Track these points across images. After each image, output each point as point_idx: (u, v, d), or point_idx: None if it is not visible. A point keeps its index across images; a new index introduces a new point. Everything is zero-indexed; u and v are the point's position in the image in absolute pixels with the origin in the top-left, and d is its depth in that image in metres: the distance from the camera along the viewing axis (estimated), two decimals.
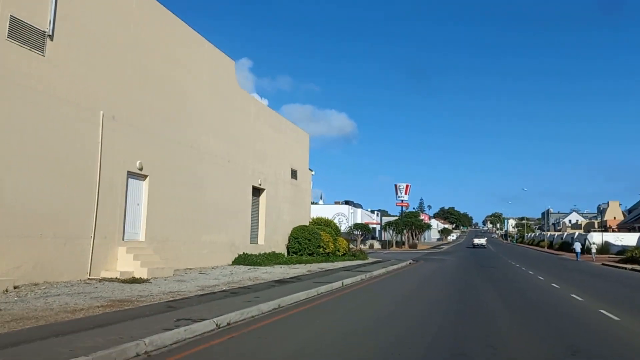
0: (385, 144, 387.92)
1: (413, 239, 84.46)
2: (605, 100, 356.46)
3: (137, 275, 15.49)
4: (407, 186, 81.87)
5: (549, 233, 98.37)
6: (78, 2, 14.85)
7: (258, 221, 27.73)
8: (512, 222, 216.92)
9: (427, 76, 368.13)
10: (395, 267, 27.85)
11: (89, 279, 14.68)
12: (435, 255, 50.51)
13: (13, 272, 12.25)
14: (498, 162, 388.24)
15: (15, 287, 11.70)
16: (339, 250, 32.62)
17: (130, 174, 17.10)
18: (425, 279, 21.78)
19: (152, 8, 18.44)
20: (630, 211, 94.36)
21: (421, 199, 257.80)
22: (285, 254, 29.75)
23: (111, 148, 16.03)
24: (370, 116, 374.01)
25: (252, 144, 26.49)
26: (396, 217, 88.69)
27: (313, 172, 36.91)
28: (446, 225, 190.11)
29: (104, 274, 15.21)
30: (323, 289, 14.91)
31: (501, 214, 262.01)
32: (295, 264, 25.97)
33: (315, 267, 24.41)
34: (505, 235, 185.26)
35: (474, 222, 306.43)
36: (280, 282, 16.33)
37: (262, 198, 28.03)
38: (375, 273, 22.50)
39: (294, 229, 30.71)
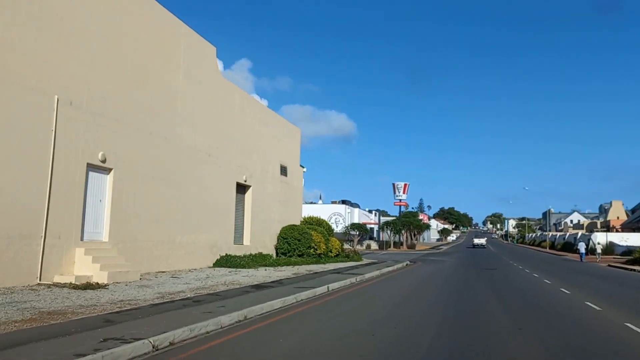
0: (385, 144, 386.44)
1: (412, 239, 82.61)
2: (605, 100, 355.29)
3: (95, 280, 13.73)
4: (405, 185, 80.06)
5: (550, 233, 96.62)
6: None
7: (243, 220, 25.95)
8: (512, 223, 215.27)
9: (427, 76, 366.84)
10: (390, 269, 26.09)
11: (38, 284, 12.93)
12: (434, 256, 48.73)
13: None
14: (498, 162, 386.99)
15: None
16: (331, 251, 30.84)
17: (91, 167, 15.33)
18: (420, 284, 20.02)
19: None
20: (633, 211, 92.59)
21: (421, 199, 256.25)
22: (274, 255, 27.98)
23: (67, 137, 14.27)
24: (370, 116, 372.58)
25: (237, 138, 24.71)
26: (395, 217, 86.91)
27: (305, 169, 35.16)
28: (446, 226, 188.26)
29: (58, 279, 13.45)
30: (304, 295, 13.15)
31: (501, 214, 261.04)
32: (283, 265, 24.19)
33: (303, 269, 22.64)
34: (506, 236, 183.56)
35: (474, 222, 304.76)
36: (258, 287, 14.56)
37: (248, 195, 26.25)
38: (367, 276, 20.73)
39: (283, 228, 28.93)
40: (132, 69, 17.15)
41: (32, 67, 13.20)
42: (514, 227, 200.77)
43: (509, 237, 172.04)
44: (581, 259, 43.70)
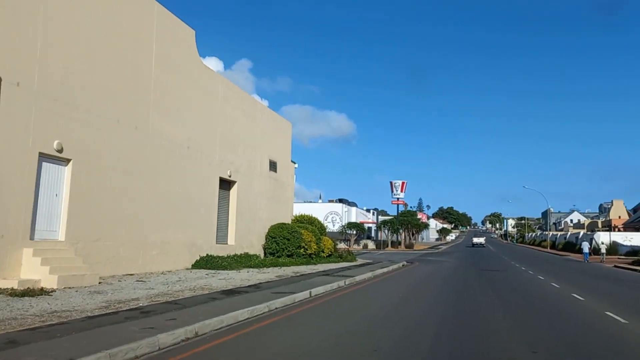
0: (384, 144, 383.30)
1: (410, 239, 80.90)
2: (605, 100, 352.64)
3: (42, 285, 12.04)
4: (403, 183, 78.31)
5: (551, 233, 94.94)
6: None
7: (228, 218, 24.24)
8: (511, 222, 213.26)
9: (427, 76, 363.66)
10: (384, 270, 24.38)
11: None
12: (432, 256, 47.03)
13: None
14: (498, 162, 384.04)
15: None
16: (323, 251, 29.15)
17: (45, 157, 13.62)
18: (419, 284, 18.33)
19: None
20: (634, 210, 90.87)
21: (420, 199, 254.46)
22: (262, 255, 26.28)
23: (13, 122, 12.57)
24: (369, 116, 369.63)
25: (220, 130, 22.99)
26: (393, 217, 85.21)
27: (296, 165, 33.43)
28: (445, 225, 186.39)
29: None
30: (280, 302, 11.46)
31: (500, 214, 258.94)
32: (269, 267, 22.49)
33: (289, 271, 20.94)
34: (505, 235, 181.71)
35: (473, 222, 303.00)
36: (230, 292, 12.86)
37: (233, 192, 24.54)
38: (358, 278, 19.03)
39: (271, 227, 27.22)
40: (95, 50, 15.43)
41: None
42: (513, 227, 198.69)
43: (509, 236, 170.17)
44: (585, 259, 42.00)
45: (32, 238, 13.12)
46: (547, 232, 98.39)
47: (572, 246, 66.41)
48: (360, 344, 7.82)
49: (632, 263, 35.90)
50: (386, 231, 76.34)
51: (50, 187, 13.89)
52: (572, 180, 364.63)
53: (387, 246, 73.68)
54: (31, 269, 12.52)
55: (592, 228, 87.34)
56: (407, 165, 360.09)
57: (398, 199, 78.72)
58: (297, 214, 33.60)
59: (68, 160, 14.40)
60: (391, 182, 79.19)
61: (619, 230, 71.02)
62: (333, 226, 72.19)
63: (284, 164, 30.75)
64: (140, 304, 10.18)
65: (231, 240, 24.16)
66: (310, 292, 13.55)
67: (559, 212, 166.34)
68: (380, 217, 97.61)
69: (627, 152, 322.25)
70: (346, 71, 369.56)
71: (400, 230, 77.98)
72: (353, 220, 75.95)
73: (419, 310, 11.92)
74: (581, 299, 14.33)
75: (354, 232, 71.70)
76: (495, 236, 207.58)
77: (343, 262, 29.52)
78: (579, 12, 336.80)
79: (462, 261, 39.11)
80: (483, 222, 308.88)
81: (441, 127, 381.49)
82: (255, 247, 26.23)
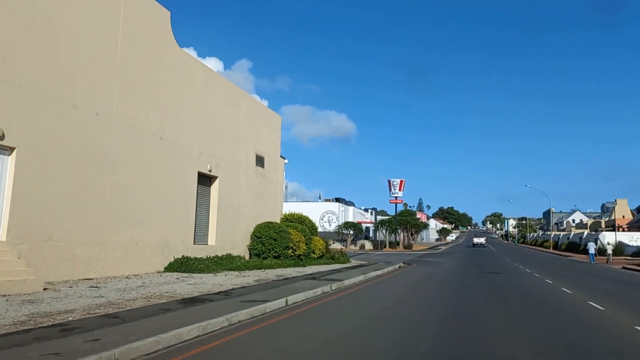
0: (384, 144, 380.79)
1: (409, 239, 79.02)
2: (605, 100, 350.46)
3: None
4: (401, 182, 76.46)
5: (553, 233, 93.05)
6: None
7: (208, 216, 22.40)
8: (512, 222, 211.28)
9: (426, 76, 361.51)
10: (378, 272, 22.53)
11: None
12: (431, 257, 45.18)
13: None
14: (498, 161, 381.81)
15: None
16: (314, 252, 27.35)
17: None
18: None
19: None
20: (638, 210, 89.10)
21: (420, 199, 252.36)
22: (246, 256, 24.44)
23: None
24: (369, 116, 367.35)
25: (200, 120, 21.15)
26: (391, 217, 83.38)
27: (286, 161, 31.62)
28: (445, 225, 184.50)
29: None
30: (245, 313, 9.62)
31: (501, 214, 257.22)
32: (251, 269, 20.66)
33: (272, 274, 19.10)
34: (506, 236, 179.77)
35: (473, 222, 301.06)
36: (192, 301, 11.02)
37: (214, 188, 22.70)
38: (347, 282, 17.20)
39: (257, 226, 25.37)
40: (45, 26, 13.60)
41: None
42: (514, 227, 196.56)
43: (510, 237, 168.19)
44: (591, 260, 40.18)
45: None
46: (549, 232, 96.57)
47: (575, 246, 64.63)
48: None
49: None
50: (384, 231, 74.50)
51: None
52: (573, 180, 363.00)
53: (385, 247, 71.83)
54: None
55: (596, 228, 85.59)
56: (407, 165, 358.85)
57: (396, 197, 76.91)
58: (288, 212, 31.79)
59: (11, 149, 12.58)
60: (389, 181, 77.39)
61: (623, 230, 69.16)
62: (329, 226, 70.41)
63: (272, 159, 28.91)
64: (70, 318, 8.35)
65: (212, 240, 22.32)
66: (286, 300, 11.71)
67: (561, 212, 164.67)
68: (378, 217, 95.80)
69: (627, 152, 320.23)
70: (346, 71, 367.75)
71: (399, 231, 76.15)
72: (350, 220, 74.07)
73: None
74: (600, 308, 12.40)
75: (351, 232, 69.88)
76: (496, 236, 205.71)
77: (335, 263, 27.70)
78: (579, 12, 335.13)
79: (462, 262, 37.27)
80: (483, 222, 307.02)
81: (441, 127, 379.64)
82: (240, 247, 24.40)
